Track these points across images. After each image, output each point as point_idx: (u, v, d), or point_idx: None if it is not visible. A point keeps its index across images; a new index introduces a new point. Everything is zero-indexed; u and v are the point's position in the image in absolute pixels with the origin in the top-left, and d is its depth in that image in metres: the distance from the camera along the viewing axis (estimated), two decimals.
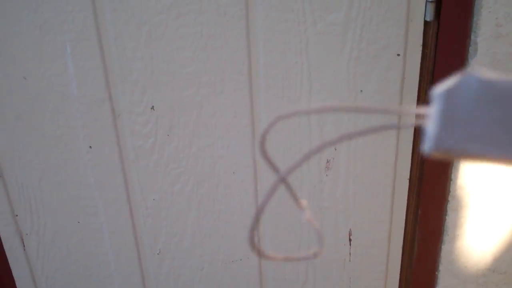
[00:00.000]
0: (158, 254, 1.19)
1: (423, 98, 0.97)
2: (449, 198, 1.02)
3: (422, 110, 0.16)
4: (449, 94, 0.14)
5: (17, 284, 1.29)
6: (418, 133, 1.01)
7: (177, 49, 0.97)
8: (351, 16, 0.90)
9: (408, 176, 1.04)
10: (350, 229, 1.10)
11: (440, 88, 0.16)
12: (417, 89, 0.96)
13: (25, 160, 1.12)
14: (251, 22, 0.93)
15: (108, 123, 1.05)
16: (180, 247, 1.17)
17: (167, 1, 0.93)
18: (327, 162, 1.02)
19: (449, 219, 1.03)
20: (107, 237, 1.18)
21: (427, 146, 0.15)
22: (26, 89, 1.04)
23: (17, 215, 1.18)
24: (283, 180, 0.20)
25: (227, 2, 0.91)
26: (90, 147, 1.08)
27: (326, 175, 1.04)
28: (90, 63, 1.00)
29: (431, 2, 0.89)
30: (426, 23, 0.91)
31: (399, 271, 1.15)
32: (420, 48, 0.92)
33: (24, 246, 1.23)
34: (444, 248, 1.06)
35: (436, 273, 1.09)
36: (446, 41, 0.91)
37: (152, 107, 1.02)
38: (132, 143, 1.06)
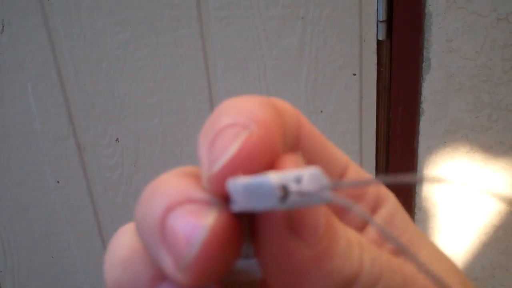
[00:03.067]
0: None
1: (382, 115, 0.98)
2: (416, 211, 1.03)
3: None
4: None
5: None
6: (381, 144, 1.03)
7: (138, 82, 0.98)
8: (305, 40, 0.92)
9: None
10: None
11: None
12: (375, 106, 0.98)
13: None
14: (208, 52, 0.94)
15: (74, 158, 1.05)
16: None
17: (123, 36, 0.94)
18: None
19: None
20: (81, 270, 1.18)
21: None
22: None
23: None
24: None
25: (183, 34, 0.93)
26: (58, 182, 1.08)
27: None
28: (52, 100, 1.00)
29: (382, 21, 0.92)
30: (379, 42, 0.93)
31: None
32: (375, 67, 0.94)
33: None
34: None
35: None
36: (399, 59, 0.94)
37: (117, 139, 1.03)
38: (99, 175, 1.07)
